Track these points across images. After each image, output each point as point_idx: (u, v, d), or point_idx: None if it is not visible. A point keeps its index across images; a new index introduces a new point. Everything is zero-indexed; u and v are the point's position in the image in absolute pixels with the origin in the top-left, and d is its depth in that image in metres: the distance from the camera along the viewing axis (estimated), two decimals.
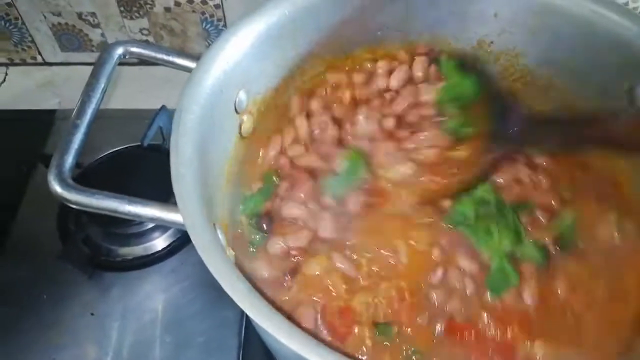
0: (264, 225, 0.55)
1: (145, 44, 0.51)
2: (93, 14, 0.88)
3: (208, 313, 0.68)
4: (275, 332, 0.33)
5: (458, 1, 0.59)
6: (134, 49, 0.50)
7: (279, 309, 0.36)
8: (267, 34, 0.54)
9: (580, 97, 0.59)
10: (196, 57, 0.52)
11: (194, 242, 0.38)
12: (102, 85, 0.47)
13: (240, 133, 0.56)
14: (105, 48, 0.49)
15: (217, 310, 0.68)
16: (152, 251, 0.72)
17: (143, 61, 0.89)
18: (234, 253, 0.46)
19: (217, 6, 0.87)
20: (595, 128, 0.53)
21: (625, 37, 0.53)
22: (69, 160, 0.43)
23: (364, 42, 0.63)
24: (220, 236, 0.43)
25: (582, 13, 0.55)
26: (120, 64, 0.81)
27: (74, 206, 0.42)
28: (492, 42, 0.62)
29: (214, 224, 0.43)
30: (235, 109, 0.54)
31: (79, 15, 0.88)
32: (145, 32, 0.90)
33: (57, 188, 0.41)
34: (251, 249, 0.54)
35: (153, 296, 0.70)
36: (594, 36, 0.55)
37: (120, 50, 0.49)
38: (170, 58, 0.51)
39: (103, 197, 0.41)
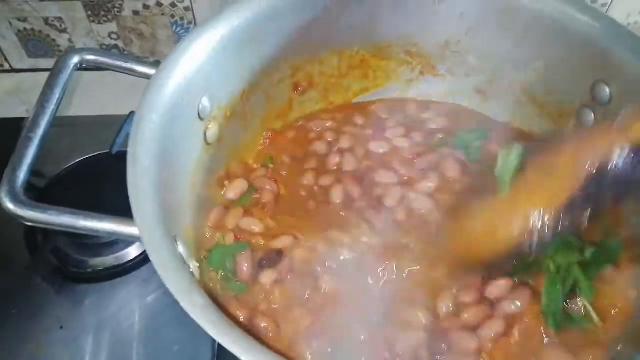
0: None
1: (102, 51, 0.50)
2: (60, 19, 0.86)
3: (182, 321, 0.66)
4: (230, 346, 0.32)
5: (423, 2, 0.58)
6: (90, 57, 0.48)
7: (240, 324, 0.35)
8: (230, 38, 0.53)
9: (545, 93, 0.59)
10: (156, 65, 0.51)
11: (150, 256, 0.37)
12: (57, 96, 0.46)
13: (205, 140, 0.55)
14: (60, 57, 0.48)
15: (192, 319, 0.66)
16: (124, 261, 0.71)
17: None
18: (197, 265, 0.45)
19: (186, 9, 0.85)
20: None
21: (590, 34, 0.53)
22: (21, 175, 0.42)
23: (330, 44, 0.62)
24: (182, 249, 0.43)
25: (546, 11, 0.55)
26: (88, 69, 0.80)
27: (27, 223, 0.41)
28: (459, 42, 0.62)
29: (174, 237, 0.42)
30: (199, 116, 0.53)
31: (46, 21, 0.86)
32: (114, 36, 0.89)
33: (9, 205, 0.40)
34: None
35: (126, 307, 0.68)
36: (559, 34, 0.55)
37: (75, 59, 0.48)
38: (129, 65, 0.50)
39: (57, 213, 0.40)
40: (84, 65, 0.49)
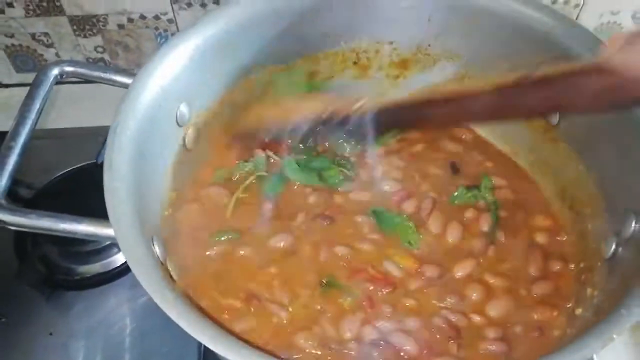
0: None
1: (82, 63, 0.52)
2: (46, 34, 0.88)
3: (170, 326, 0.66)
4: (200, 336, 0.34)
5: (392, 8, 0.61)
6: (70, 69, 0.50)
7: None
8: (206, 47, 0.55)
9: None
10: (134, 75, 0.53)
11: (124, 255, 0.38)
12: (37, 106, 0.48)
13: (184, 145, 0.57)
14: (40, 69, 0.50)
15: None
16: (111, 267, 0.72)
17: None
18: (174, 265, 0.47)
19: (170, 21, 0.87)
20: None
21: (550, 34, 0.55)
22: (3, 182, 0.44)
23: (306, 50, 0.64)
24: (157, 249, 0.44)
25: (509, 14, 0.57)
26: (74, 82, 0.81)
27: (9, 227, 0.43)
28: (429, 45, 0.64)
29: (151, 237, 0.44)
30: (177, 123, 0.55)
31: (32, 36, 0.88)
32: (100, 49, 0.91)
33: None
34: None
35: (115, 312, 0.70)
36: (522, 35, 0.57)
37: (55, 71, 0.50)
38: (108, 75, 0.52)
39: (37, 216, 0.42)
40: (64, 77, 0.51)
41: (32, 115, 0.47)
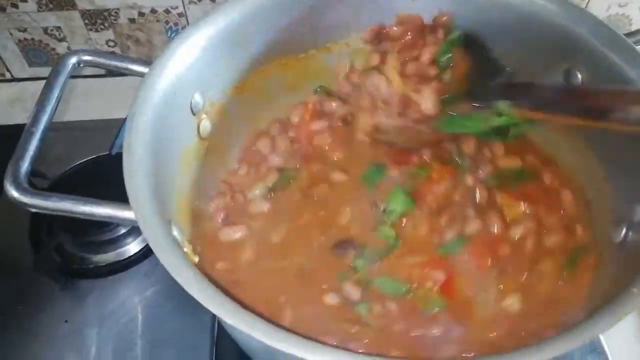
0: None
1: (98, 52, 0.53)
2: (58, 28, 0.90)
3: (182, 313, 0.70)
4: (222, 314, 0.35)
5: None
6: (87, 58, 0.51)
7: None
8: (218, 38, 0.56)
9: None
10: (150, 63, 0.54)
11: (145, 235, 0.39)
12: (57, 94, 0.49)
13: (199, 134, 0.58)
14: (59, 58, 0.51)
15: (191, 310, 0.69)
16: (125, 256, 0.73)
17: (110, 72, 0.91)
18: (191, 247, 0.48)
19: (180, 14, 0.89)
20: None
21: (559, 23, 0.56)
22: (24, 166, 0.44)
23: (317, 41, 0.65)
24: (176, 232, 0.45)
25: (516, 4, 0.57)
26: (88, 76, 0.83)
27: (31, 209, 0.44)
28: None
29: (169, 221, 0.45)
30: (192, 111, 0.56)
31: (45, 30, 0.90)
32: (111, 43, 0.92)
33: (14, 193, 0.43)
34: None
35: (128, 301, 0.71)
36: (533, 24, 0.58)
37: (73, 60, 0.51)
38: (124, 64, 0.53)
39: (58, 199, 0.43)
40: (81, 65, 0.52)
41: (52, 102, 0.48)
